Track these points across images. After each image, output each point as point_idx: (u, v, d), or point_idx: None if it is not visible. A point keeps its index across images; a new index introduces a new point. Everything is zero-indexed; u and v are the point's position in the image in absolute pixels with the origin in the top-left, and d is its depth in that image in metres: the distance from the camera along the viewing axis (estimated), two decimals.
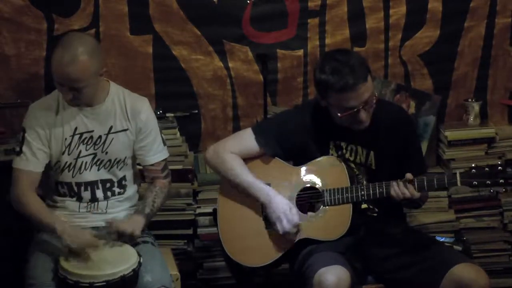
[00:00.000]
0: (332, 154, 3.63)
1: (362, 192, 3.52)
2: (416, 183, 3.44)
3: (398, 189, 3.44)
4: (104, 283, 3.33)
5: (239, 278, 3.96)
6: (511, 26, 4.49)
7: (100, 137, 3.64)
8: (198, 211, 4.36)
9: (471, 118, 4.50)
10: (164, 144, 3.77)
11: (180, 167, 4.29)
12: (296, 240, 3.56)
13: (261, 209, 3.64)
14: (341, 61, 3.43)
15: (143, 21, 4.30)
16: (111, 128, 3.64)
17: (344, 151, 3.63)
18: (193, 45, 4.36)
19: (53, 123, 3.60)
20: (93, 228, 3.62)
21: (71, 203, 3.67)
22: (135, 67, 4.33)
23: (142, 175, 3.87)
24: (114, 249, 3.50)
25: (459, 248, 4.30)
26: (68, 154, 3.62)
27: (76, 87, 3.46)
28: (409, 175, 3.44)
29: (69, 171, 3.64)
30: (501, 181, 3.38)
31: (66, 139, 3.61)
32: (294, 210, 3.56)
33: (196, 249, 4.38)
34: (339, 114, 3.47)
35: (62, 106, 3.62)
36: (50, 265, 3.46)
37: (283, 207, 3.55)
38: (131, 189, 3.77)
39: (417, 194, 3.44)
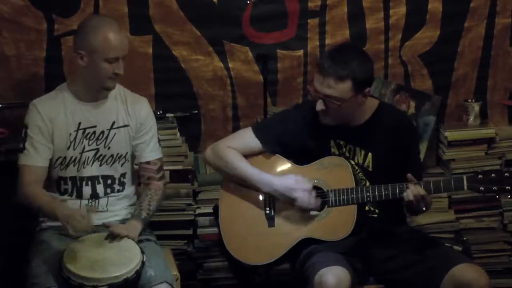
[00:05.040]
0: (334, 153, 3.63)
1: (368, 194, 3.51)
2: (422, 186, 3.43)
3: (416, 189, 3.41)
4: (107, 287, 3.34)
5: (240, 277, 3.96)
6: (511, 26, 4.49)
7: (102, 132, 3.68)
8: (198, 211, 4.35)
9: (471, 119, 4.50)
10: (160, 144, 3.81)
11: (180, 167, 4.30)
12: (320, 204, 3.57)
13: (263, 206, 3.64)
14: (343, 51, 3.52)
15: (143, 22, 4.30)
16: (113, 123, 3.69)
17: (343, 150, 3.63)
18: (193, 45, 4.36)
19: (56, 118, 3.64)
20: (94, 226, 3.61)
21: (71, 201, 3.69)
22: (135, 68, 4.32)
23: (138, 176, 3.88)
24: (118, 247, 3.50)
25: (459, 248, 4.31)
26: (74, 149, 3.66)
27: (124, 55, 3.57)
28: (410, 176, 3.44)
29: (74, 165, 3.68)
30: (507, 187, 3.37)
31: (70, 134, 3.65)
32: (300, 177, 3.56)
33: (196, 249, 4.38)
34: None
35: (66, 102, 3.65)
36: (52, 264, 3.46)
37: (290, 179, 3.56)
38: (130, 188, 3.80)
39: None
